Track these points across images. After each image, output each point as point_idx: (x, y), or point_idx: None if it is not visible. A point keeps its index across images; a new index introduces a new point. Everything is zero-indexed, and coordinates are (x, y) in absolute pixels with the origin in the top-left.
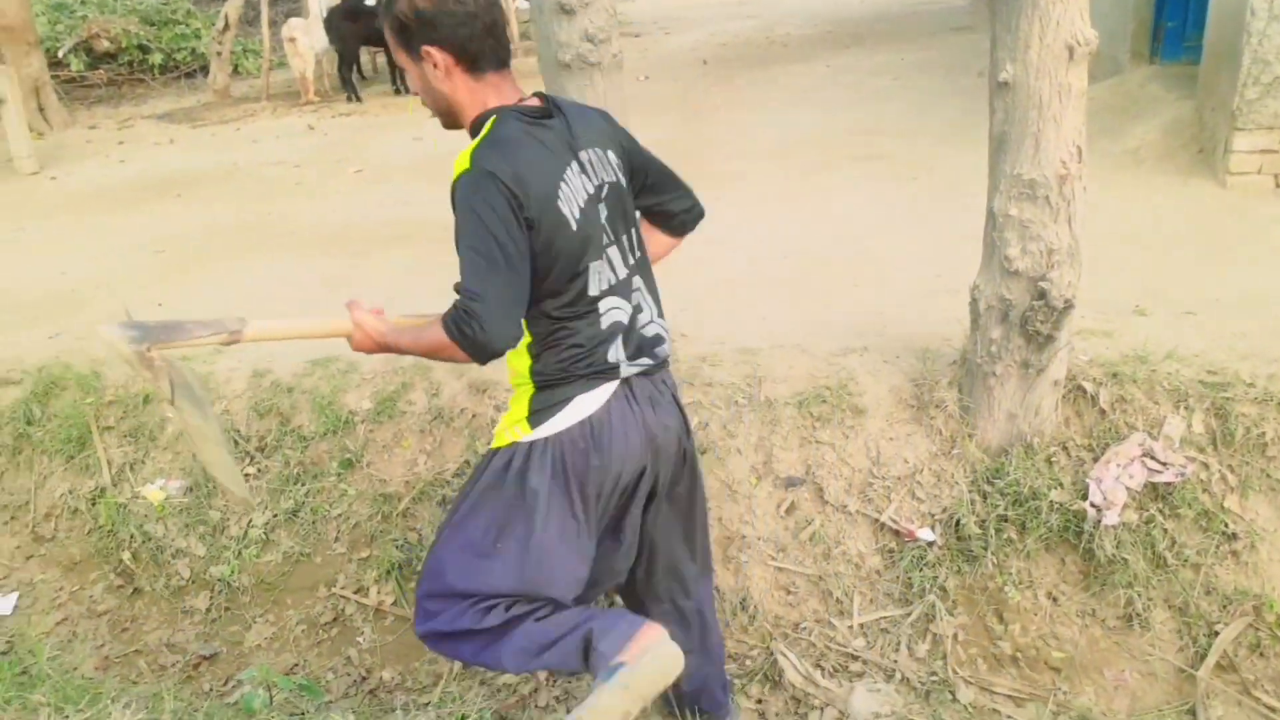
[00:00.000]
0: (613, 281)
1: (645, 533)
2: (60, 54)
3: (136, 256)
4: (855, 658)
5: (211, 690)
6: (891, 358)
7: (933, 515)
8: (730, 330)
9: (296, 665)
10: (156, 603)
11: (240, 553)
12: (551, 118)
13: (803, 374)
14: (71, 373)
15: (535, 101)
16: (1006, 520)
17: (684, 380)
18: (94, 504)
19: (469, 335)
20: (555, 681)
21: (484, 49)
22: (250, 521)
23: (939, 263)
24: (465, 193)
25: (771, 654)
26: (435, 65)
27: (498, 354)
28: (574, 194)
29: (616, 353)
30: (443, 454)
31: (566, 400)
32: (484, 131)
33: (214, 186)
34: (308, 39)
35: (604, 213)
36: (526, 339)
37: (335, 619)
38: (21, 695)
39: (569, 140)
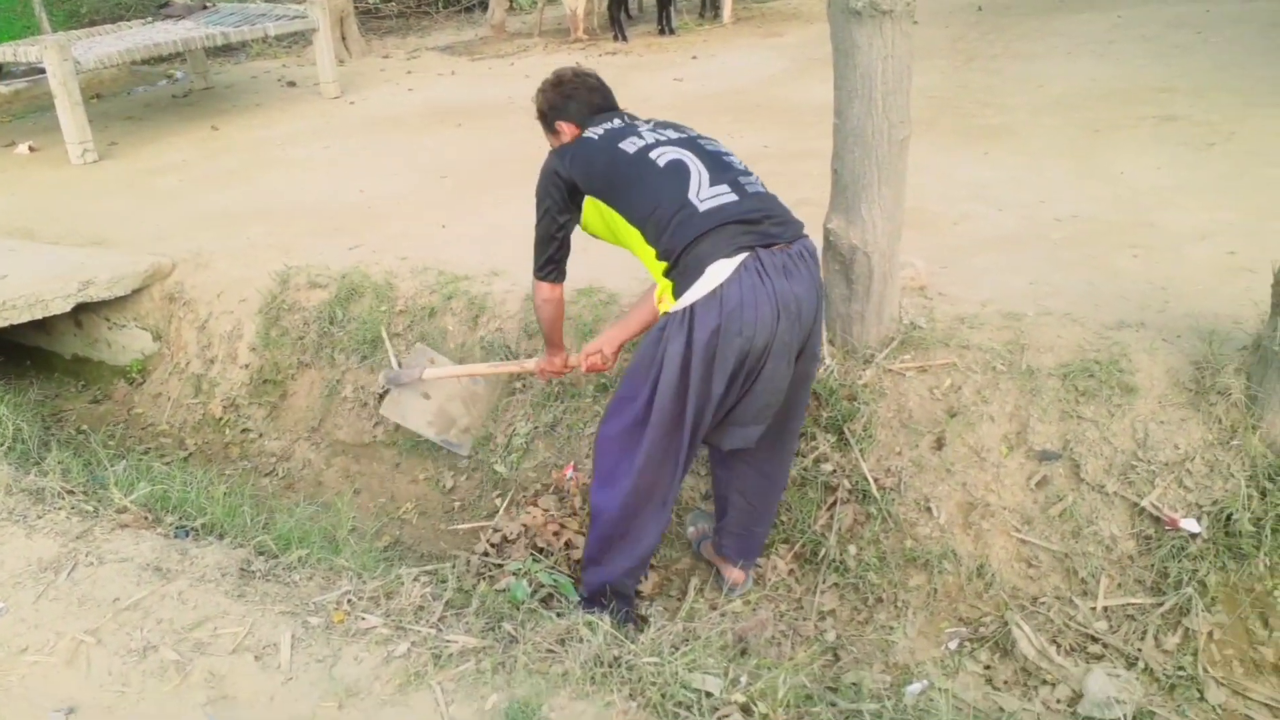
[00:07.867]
0: None
1: None
2: None
3: (423, 179)
4: (1095, 640)
5: (481, 576)
6: (1172, 336)
7: (1200, 506)
8: (994, 293)
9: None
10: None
11: (504, 457)
12: None
13: (1070, 344)
14: (369, 282)
15: None
16: None
17: (940, 341)
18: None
19: None
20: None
21: None
22: (514, 430)
23: (1236, 238)
24: None
25: (1005, 623)
26: None
27: None
28: None
29: None
30: None
31: None
32: None
33: (491, 119)
34: None
35: None
36: None
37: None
38: (328, 559)
39: None
